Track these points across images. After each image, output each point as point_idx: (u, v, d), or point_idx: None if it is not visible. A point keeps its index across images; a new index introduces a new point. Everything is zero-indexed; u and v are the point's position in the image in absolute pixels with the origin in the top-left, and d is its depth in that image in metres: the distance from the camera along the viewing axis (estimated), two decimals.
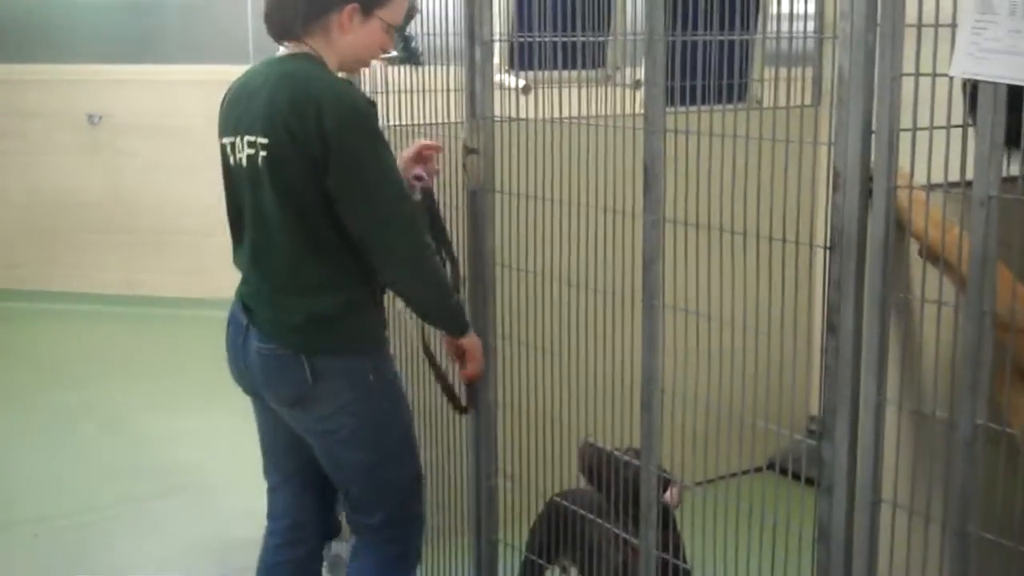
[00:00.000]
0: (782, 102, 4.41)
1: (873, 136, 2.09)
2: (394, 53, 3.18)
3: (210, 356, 6.79)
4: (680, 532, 2.84)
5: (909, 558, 2.14)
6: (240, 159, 2.69)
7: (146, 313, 7.55)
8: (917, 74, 2.04)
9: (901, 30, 2.03)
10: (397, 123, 3.52)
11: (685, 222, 2.54)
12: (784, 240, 2.34)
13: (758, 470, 4.07)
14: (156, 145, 7.71)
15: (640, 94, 4.60)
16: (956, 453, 1.99)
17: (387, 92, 3.55)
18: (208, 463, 5.03)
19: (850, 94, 2.10)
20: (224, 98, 2.81)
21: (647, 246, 2.59)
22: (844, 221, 2.14)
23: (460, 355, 3.00)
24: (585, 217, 2.87)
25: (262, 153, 2.63)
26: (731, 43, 2.90)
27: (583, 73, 3.29)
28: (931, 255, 2.12)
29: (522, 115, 3.14)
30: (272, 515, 3.06)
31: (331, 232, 2.66)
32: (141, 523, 4.45)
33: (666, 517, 2.76)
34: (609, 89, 3.45)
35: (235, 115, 2.72)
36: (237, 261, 2.87)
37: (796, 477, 3.87)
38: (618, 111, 3.29)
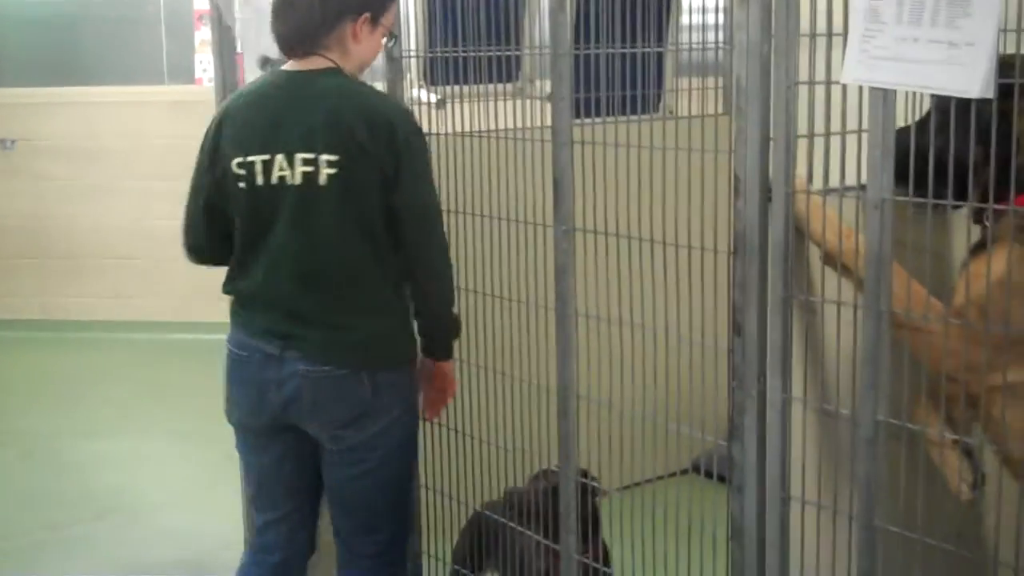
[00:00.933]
0: (695, 111, 4.52)
1: (771, 143, 2.15)
2: None
3: (129, 379, 6.80)
4: (602, 538, 2.88)
5: (819, 553, 2.20)
6: (280, 177, 2.61)
7: (63, 338, 7.45)
8: (812, 82, 2.11)
9: (796, 39, 2.10)
10: None
11: (595, 231, 2.59)
12: (690, 247, 2.40)
13: (683, 472, 4.13)
14: (74, 168, 7.62)
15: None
16: (859, 449, 2.06)
17: None
18: (132, 487, 4.97)
19: (748, 103, 2.16)
20: (224, 117, 2.70)
21: (558, 255, 2.64)
22: (746, 226, 2.20)
23: (438, 378, 2.91)
24: (500, 229, 2.91)
25: (328, 171, 2.57)
26: (642, 54, 2.95)
27: (497, 87, 3.34)
28: (830, 260, 2.19)
29: (437, 130, 3.17)
30: (261, 549, 2.95)
31: (391, 247, 2.67)
32: (65, 549, 4.38)
33: (595, 523, 2.80)
34: (521, 102, 3.50)
35: (264, 133, 2.63)
36: (243, 287, 2.76)
37: (721, 479, 3.94)
38: (533, 123, 3.35)
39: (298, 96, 2.64)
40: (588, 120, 3.07)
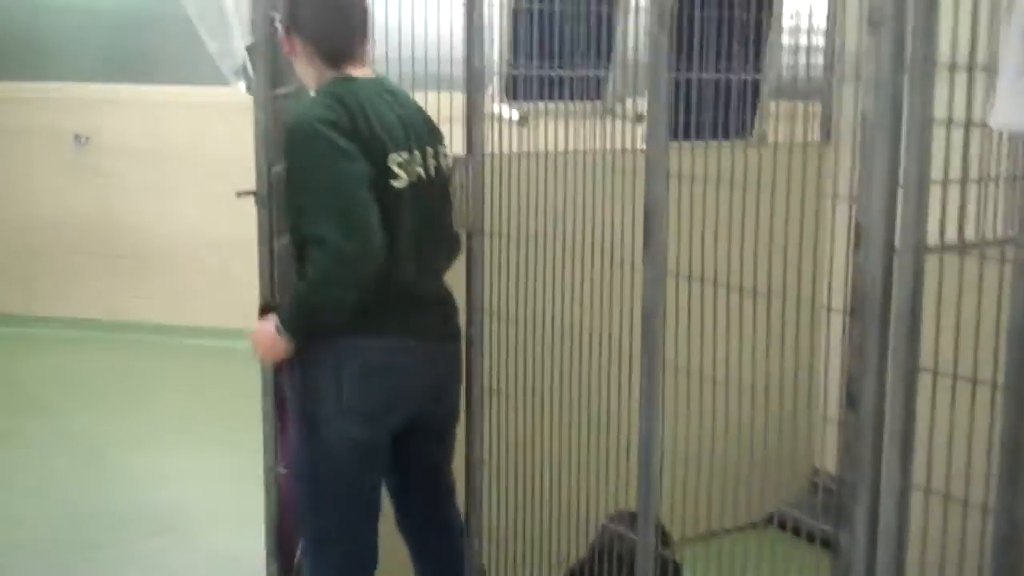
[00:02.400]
0: (792, 138, 4.24)
1: (900, 190, 1.88)
2: None
3: (189, 387, 6.63)
4: None
5: None
6: (424, 171, 2.72)
7: (124, 339, 7.31)
8: (949, 122, 1.83)
9: (932, 72, 1.82)
10: None
11: (690, 276, 2.34)
12: (785, 298, 2.14)
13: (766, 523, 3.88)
14: (141, 167, 7.49)
15: (641, 128, 4.44)
16: (994, 547, 1.78)
17: None
18: (187, 503, 4.79)
19: (875, 142, 1.88)
20: (347, 116, 2.62)
21: (647, 300, 2.38)
22: (867, 282, 1.92)
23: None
24: (582, 262, 2.67)
25: (446, 162, 2.83)
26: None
27: (581, 105, 3.10)
28: None
29: (518, 147, 2.94)
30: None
31: None
32: (113, 569, 4.21)
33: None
34: (608, 122, 3.26)
35: (397, 132, 2.69)
36: (395, 286, 2.65)
37: (796, 532, 3.67)
38: (619, 146, 3.11)
39: (395, 96, 2.76)
40: (676, 143, 2.86)
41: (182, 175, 7.32)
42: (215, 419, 5.82)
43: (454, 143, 2.91)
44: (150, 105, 7.40)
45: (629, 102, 4.19)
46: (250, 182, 3.22)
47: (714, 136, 2.95)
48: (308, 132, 2.59)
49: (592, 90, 3.18)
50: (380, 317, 2.63)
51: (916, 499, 1.93)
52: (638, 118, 4.38)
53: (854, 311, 1.95)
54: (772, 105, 4.48)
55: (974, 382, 1.81)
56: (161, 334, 7.32)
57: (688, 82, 2.54)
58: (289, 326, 2.62)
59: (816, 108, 4.52)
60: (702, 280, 2.30)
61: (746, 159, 2.35)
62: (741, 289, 2.27)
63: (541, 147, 2.91)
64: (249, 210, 3.25)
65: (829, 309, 2.06)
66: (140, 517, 4.65)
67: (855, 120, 1.92)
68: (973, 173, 1.88)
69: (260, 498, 4.75)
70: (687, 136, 2.92)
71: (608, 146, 2.87)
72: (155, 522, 4.61)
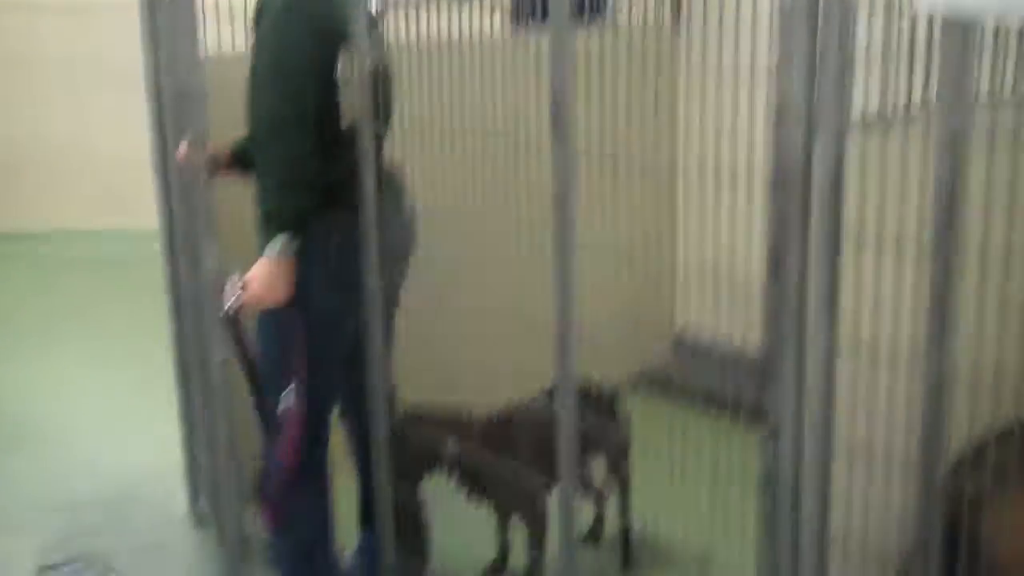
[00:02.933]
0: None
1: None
2: None
3: (35, 295, 6.35)
4: None
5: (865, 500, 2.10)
6: None
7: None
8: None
9: None
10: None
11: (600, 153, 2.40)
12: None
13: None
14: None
15: (498, 15, 4.41)
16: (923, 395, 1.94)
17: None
18: (48, 414, 4.66)
19: (794, 25, 1.97)
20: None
21: (559, 183, 2.44)
22: (790, 158, 2.03)
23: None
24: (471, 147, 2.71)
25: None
26: None
27: None
28: None
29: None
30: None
31: None
32: None
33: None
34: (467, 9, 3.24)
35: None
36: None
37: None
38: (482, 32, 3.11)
39: None
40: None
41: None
42: (67, 328, 5.63)
43: None
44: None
45: None
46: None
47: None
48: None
49: None
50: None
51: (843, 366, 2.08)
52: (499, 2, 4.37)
53: (776, 184, 2.06)
54: None
55: (897, 246, 1.95)
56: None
57: None
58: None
59: None
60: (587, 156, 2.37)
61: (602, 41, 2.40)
62: (613, 161, 2.37)
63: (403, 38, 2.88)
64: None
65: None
66: (2, 429, 4.51)
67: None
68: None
69: (127, 405, 4.68)
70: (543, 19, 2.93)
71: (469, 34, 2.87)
72: (17, 432, 4.48)
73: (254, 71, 2.70)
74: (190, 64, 2.96)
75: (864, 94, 2.01)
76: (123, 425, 4.54)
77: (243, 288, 2.69)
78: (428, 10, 2.87)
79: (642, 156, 2.36)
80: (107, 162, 7.34)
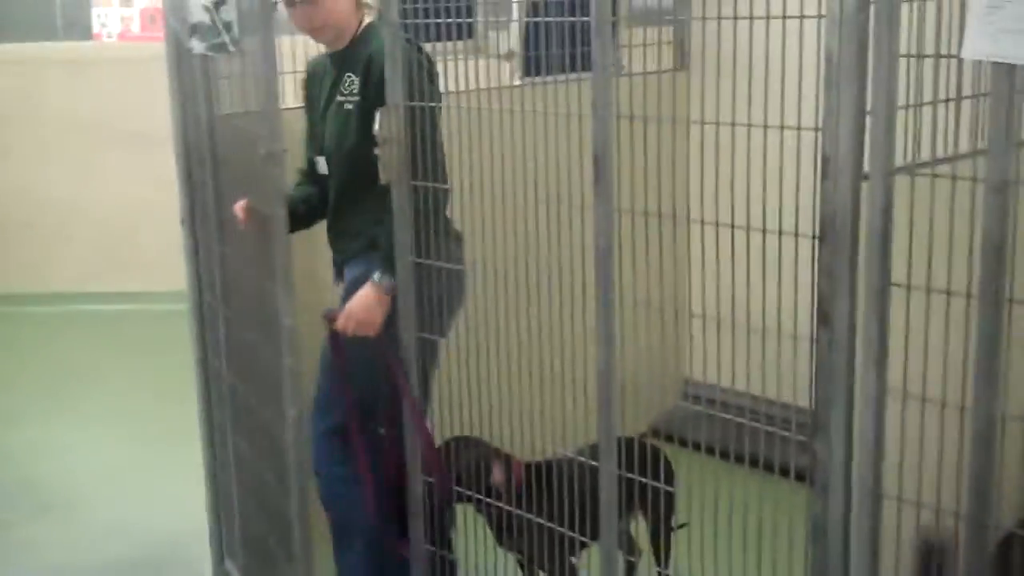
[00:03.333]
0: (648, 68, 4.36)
1: (868, 118, 2.00)
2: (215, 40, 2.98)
3: (38, 356, 6.37)
4: None
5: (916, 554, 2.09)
6: None
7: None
8: (920, 55, 1.97)
9: (898, 6, 1.94)
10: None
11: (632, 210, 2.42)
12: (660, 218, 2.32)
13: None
14: None
15: (512, 65, 4.46)
16: (971, 444, 1.94)
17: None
18: (71, 478, 4.63)
19: (842, 77, 2.00)
20: None
21: (600, 238, 2.45)
22: (836, 209, 2.05)
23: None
24: (491, 202, 2.74)
25: None
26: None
27: (452, 45, 3.12)
28: None
29: None
30: None
31: None
32: (4, 551, 4.05)
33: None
34: (484, 61, 3.29)
35: None
36: None
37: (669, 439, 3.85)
38: (490, 84, 3.16)
39: None
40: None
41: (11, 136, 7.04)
42: (74, 387, 5.63)
43: None
44: None
45: (495, 37, 4.23)
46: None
47: (572, 69, 3.00)
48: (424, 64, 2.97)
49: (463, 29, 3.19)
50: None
51: (892, 411, 2.08)
52: (508, 55, 4.43)
53: (824, 236, 2.08)
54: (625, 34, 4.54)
55: (948, 293, 1.96)
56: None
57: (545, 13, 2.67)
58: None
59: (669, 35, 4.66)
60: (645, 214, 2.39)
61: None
62: (619, 210, 2.40)
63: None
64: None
65: (688, 222, 2.16)
66: (28, 495, 4.47)
67: (819, 57, 2.03)
68: (931, 96, 2.03)
69: (145, 465, 4.66)
70: (547, 72, 2.97)
71: (483, 84, 2.92)
72: (44, 498, 4.44)
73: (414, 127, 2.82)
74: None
75: (912, 140, 2.03)
76: (144, 485, 4.52)
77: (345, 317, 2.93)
78: (444, 63, 2.93)
79: (658, 205, 2.38)
80: (107, 222, 7.39)
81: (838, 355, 2.09)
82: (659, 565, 3.25)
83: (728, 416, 2.41)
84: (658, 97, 2.42)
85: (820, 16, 2.01)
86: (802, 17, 2.11)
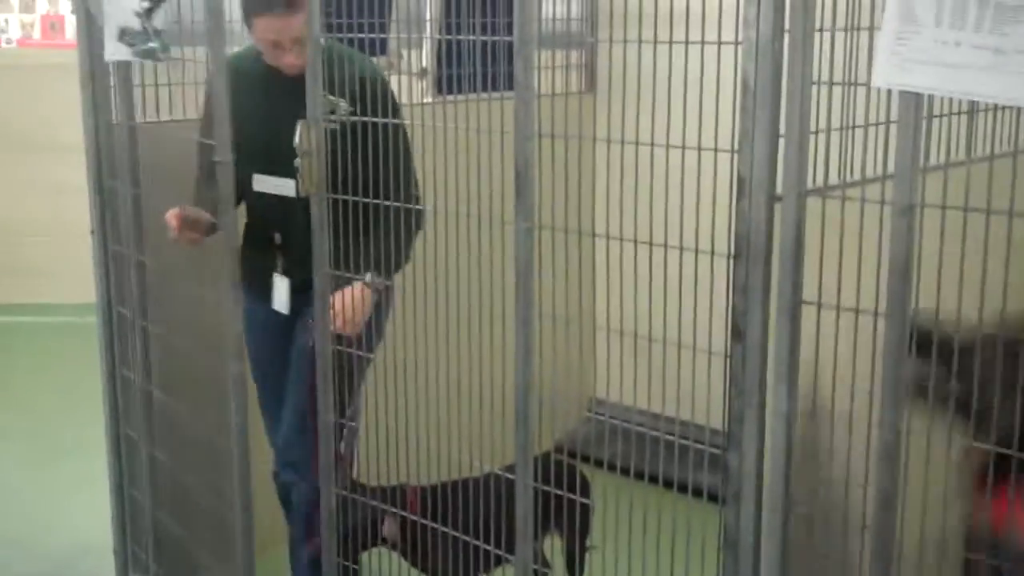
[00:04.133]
0: (557, 89, 4.44)
1: (781, 140, 2.07)
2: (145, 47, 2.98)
3: None
4: None
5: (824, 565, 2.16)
6: None
7: None
8: (831, 83, 2.05)
9: (811, 35, 2.02)
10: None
11: (552, 227, 2.47)
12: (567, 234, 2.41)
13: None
14: None
15: (426, 83, 4.50)
16: (876, 459, 2.01)
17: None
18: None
19: (757, 103, 2.07)
20: None
21: (521, 254, 2.49)
22: (750, 228, 2.12)
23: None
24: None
25: None
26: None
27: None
28: None
29: None
30: None
31: None
32: None
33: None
34: (392, 78, 3.34)
35: None
36: None
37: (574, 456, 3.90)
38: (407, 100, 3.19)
39: None
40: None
41: None
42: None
43: None
44: None
45: (407, 55, 4.26)
46: None
47: (483, 88, 3.05)
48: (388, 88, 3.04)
49: (377, 46, 3.22)
50: None
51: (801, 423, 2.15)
52: (422, 72, 4.46)
53: (738, 254, 2.15)
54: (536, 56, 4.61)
55: (856, 311, 2.03)
56: None
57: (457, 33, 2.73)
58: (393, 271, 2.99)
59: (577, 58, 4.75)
60: (565, 232, 2.43)
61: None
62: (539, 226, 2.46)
63: None
64: None
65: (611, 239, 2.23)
66: None
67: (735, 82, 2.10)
68: (840, 123, 2.12)
69: (42, 480, 4.57)
70: (457, 90, 3.01)
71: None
72: None
73: (386, 147, 2.88)
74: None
75: (822, 164, 2.11)
76: (40, 499, 4.43)
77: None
78: None
79: (565, 222, 2.44)
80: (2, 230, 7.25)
81: (751, 369, 2.15)
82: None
83: (642, 429, 2.46)
84: (565, 117, 2.48)
85: (737, 43, 2.09)
86: (720, 43, 2.17)
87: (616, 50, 2.49)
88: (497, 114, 2.57)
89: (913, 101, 1.90)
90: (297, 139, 2.82)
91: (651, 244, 2.30)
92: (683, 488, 2.34)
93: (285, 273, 3.19)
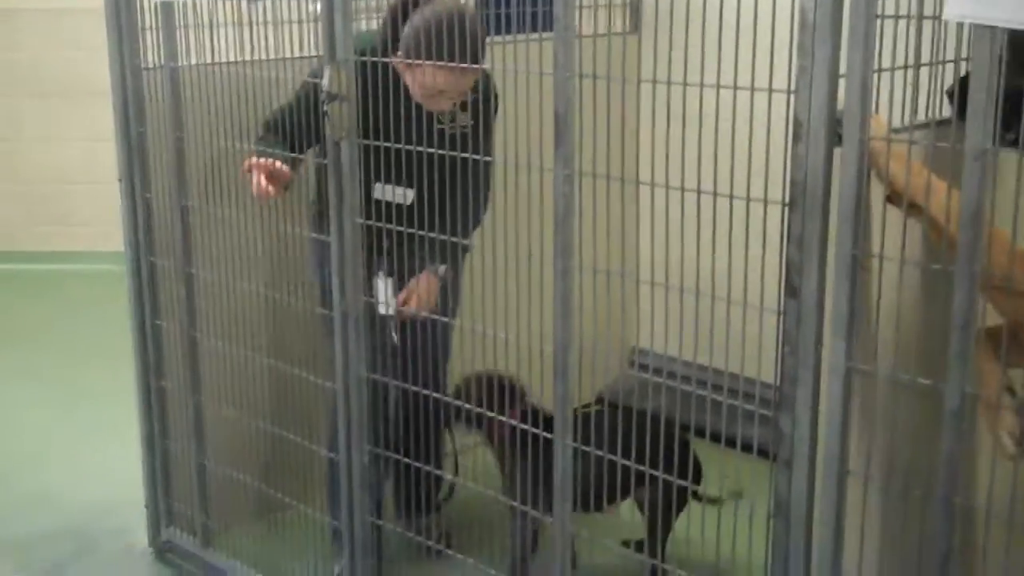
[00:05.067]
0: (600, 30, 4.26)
1: (842, 80, 1.92)
2: None
3: None
4: None
5: (882, 529, 2.03)
6: None
7: None
8: (896, 16, 1.89)
9: None
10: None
11: (594, 174, 2.33)
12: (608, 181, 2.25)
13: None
14: None
15: None
16: (943, 424, 1.87)
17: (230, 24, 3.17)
18: None
19: (816, 39, 1.92)
20: None
21: (559, 203, 2.36)
22: (807, 174, 1.97)
23: None
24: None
25: None
26: None
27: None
28: (895, 198, 1.97)
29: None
30: None
31: None
32: None
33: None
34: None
35: None
36: None
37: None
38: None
39: None
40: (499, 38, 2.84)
41: None
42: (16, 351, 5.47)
43: None
44: None
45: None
46: None
47: (522, 29, 2.91)
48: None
49: None
50: None
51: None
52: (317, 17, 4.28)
53: (793, 203, 2.00)
54: None
55: (925, 265, 1.89)
56: None
57: None
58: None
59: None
60: (608, 178, 2.29)
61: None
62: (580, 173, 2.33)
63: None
64: None
65: (626, 182, 2.08)
66: None
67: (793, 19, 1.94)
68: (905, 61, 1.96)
69: (72, 431, 4.52)
70: (503, 31, 2.87)
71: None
72: None
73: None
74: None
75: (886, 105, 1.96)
76: (70, 451, 4.38)
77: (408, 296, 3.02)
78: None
79: (607, 168, 2.28)
80: (33, 174, 7.17)
81: (806, 327, 2.02)
82: (653, 557, 3.08)
83: (687, 388, 2.32)
84: (608, 59, 2.31)
85: None
86: None
87: None
88: (537, 56, 2.42)
89: (989, 36, 1.74)
90: (326, 82, 2.69)
91: (699, 192, 2.15)
92: (731, 443, 2.22)
93: (389, 274, 3.05)
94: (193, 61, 3.16)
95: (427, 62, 2.74)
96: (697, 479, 2.84)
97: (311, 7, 2.92)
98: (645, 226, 2.31)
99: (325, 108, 2.72)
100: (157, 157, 3.31)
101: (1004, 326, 1.86)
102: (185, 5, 3.08)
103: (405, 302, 3.03)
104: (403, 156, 2.78)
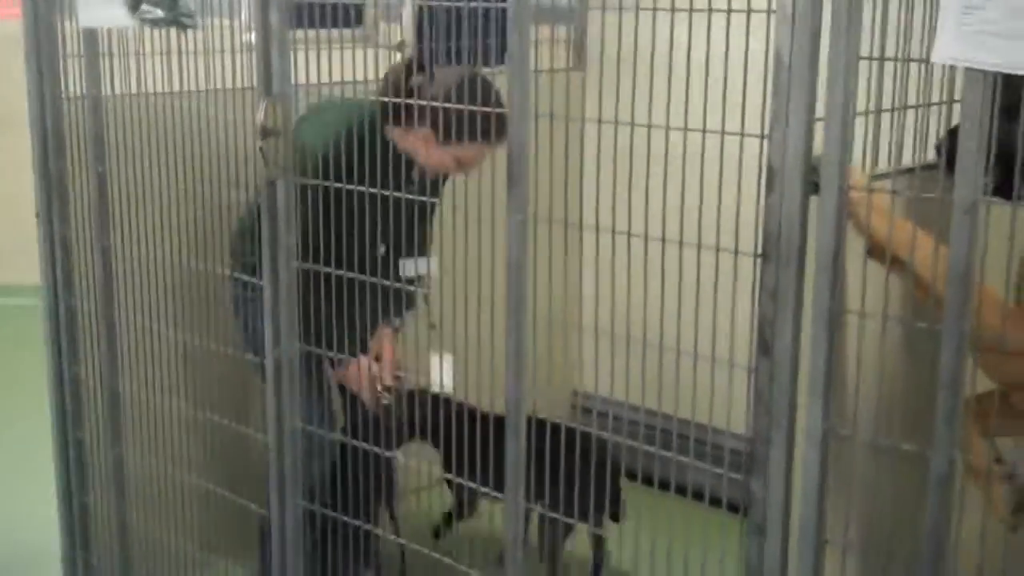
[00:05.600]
0: (543, 65, 4.16)
1: (819, 124, 1.80)
2: (160, 13, 2.67)
3: None
4: None
5: None
6: None
7: None
8: (882, 58, 1.78)
9: (859, 5, 1.75)
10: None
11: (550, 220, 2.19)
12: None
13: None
14: None
15: (401, 56, 4.22)
16: (927, 491, 1.76)
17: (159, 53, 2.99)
18: None
19: (792, 81, 1.80)
20: None
21: (514, 248, 2.22)
22: (781, 224, 1.85)
23: None
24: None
25: None
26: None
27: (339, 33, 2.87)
28: (876, 252, 1.86)
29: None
30: None
31: None
32: None
33: None
34: (372, 51, 3.05)
35: None
36: None
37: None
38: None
39: None
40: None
41: None
42: None
43: None
44: None
45: (385, 27, 3.98)
46: None
47: (472, 62, 2.79)
48: None
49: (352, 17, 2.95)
50: None
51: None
52: (397, 45, 4.17)
53: (766, 254, 1.88)
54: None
55: (920, 324, 1.77)
56: None
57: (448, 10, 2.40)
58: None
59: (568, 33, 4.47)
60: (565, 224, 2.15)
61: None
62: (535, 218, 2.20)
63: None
64: None
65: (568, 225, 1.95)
66: None
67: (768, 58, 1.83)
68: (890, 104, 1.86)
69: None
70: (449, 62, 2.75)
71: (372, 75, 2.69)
72: None
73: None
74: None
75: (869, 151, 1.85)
76: None
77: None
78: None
79: (550, 210, 2.16)
80: None
81: (780, 386, 1.89)
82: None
83: (654, 450, 2.17)
84: (551, 96, 2.19)
85: (770, 11, 1.81)
86: (749, 11, 1.89)
87: (613, 25, 2.18)
88: None
89: (980, 80, 1.63)
90: (262, 117, 2.53)
91: (646, 238, 2.02)
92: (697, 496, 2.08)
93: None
94: (118, 91, 2.98)
95: (469, 141, 2.76)
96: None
97: (245, 37, 2.77)
98: (591, 276, 2.16)
99: (260, 145, 2.55)
100: (78, 192, 3.12)
101: (995, 391, 1.76)
102: (110, 32, 2.91)
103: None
104: (388, 214, 2.60)
